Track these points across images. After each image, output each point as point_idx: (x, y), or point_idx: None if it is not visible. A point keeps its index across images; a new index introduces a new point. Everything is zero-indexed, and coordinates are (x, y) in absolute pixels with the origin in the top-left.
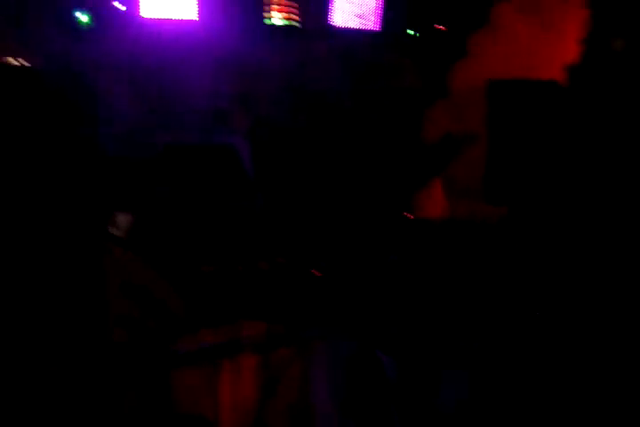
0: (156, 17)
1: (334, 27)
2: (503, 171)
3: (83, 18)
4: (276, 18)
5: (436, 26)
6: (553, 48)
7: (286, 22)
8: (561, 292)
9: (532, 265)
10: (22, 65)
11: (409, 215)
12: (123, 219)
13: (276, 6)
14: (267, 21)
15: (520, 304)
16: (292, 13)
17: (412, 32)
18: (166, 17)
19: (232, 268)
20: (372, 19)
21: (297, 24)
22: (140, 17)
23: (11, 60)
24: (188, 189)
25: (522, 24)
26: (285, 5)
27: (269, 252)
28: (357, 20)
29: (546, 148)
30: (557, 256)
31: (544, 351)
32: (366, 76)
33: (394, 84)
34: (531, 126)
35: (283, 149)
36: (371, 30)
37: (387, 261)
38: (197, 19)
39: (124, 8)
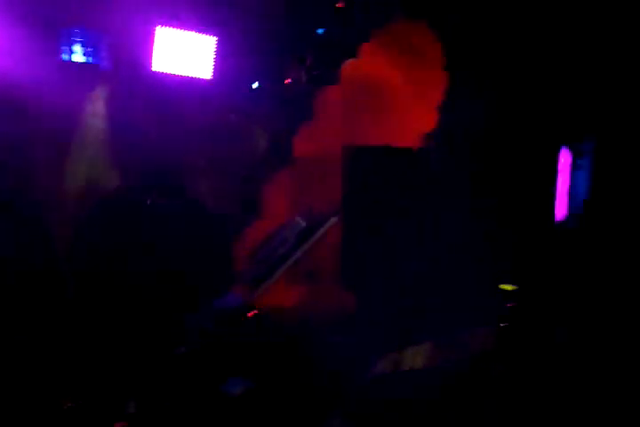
0: None
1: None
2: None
3: None
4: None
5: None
6: (406, 115)
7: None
8: None
9: None
10: None
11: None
12: None
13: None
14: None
15: None
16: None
17: (255, 85)
18: None
19: None
20: (207, 67)
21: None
22: None
23: None
24: None
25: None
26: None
27: None
28: (187, 67)
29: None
30: None
31: None
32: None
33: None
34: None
35: None
36: (202, 79)
37: None
38: None
39: None
